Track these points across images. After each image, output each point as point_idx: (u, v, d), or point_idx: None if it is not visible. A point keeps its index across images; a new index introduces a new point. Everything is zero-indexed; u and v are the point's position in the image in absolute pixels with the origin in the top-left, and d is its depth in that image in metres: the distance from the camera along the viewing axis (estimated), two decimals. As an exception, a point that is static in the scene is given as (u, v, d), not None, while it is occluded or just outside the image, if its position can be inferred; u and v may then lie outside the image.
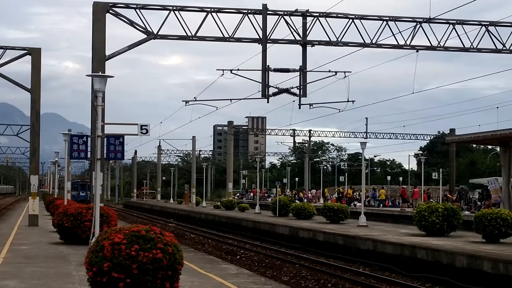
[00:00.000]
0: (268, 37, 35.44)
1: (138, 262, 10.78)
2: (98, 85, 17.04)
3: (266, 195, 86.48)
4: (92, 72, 27.82)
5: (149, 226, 11.62)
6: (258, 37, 35.52)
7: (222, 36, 35.33)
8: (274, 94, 36.85)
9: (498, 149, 50.31)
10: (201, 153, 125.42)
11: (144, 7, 34.19)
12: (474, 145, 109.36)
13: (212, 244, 36.76)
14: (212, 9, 34.95)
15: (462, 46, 37.54)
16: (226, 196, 73.06)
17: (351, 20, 36.14)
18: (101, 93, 17.23)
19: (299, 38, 35.94)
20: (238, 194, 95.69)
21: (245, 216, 48.29)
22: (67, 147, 29.09)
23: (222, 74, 38.02)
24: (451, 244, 23.37)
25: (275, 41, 35.90)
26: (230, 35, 35.26)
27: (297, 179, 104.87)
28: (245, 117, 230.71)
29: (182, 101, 44.02)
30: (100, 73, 18.46)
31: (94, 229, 17.43)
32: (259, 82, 36.21)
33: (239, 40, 36.00)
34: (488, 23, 37.39)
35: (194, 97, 43.15)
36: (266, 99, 36.49)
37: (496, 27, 37.52)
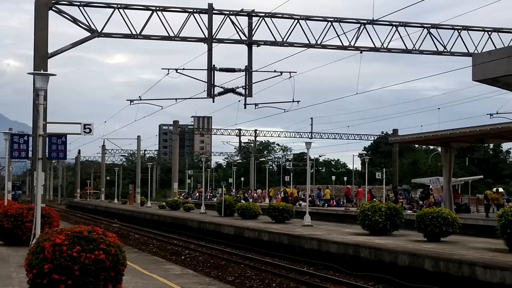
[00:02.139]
0: (213, 37, 35.42)
1: (80, 264, 10.62)
2: (40, 83, 16.73)
3: (211, 195, 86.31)
4: (34, 70, 27.37)
5: (92, 227, 11.46)
6: (203, 36, 35.47)
7: (167, 35, 35.17)
8: (220, 93, 36.85)
9: (439, 149, 51.25)
10: (146, 152, 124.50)
11: (87, 4, 33.79)
12: (417, 145, 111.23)
13: (156, 244, 36.51)
14: (158, 8, 34.75)
15: (405, 48, 38.15)
16: (171, 196, 72.61)
17: (296, 20, 36.38)
18: (43, 92, 16.93)
19: (244, 38, 36.02)
20: (183, 194, 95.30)
21: (190, 216, 48.08)
22: (8, 147, 28.50)
23: (168, 73, 37.88)
24: (394, 243, 23.67)
25: (221, 41, 35.91)
26: (175, 34, 35.12)
27: (242, 179, 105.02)
28: (191, 117, 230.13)
29: (127, 100, 43.74)
30: (42, 71, 18.15)
31: (35, 230, 17.13)
32: (205, 82, 36.18)
33: (184, 39, 35.88)
34: (429, 25, 38.05)
35: (139, 96, 42.91)
36: (212, 99, 36.46)
37: (438, 30, 38.25)
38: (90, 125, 17.38)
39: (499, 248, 21.92)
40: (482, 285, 17.66)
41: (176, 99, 42.02)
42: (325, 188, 68.54)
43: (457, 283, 18.51)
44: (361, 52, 37.41)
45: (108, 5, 34.28)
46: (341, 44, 37.21)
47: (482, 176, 79.37)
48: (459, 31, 38.24)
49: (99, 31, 33.95)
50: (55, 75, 17.71)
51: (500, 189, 55.45)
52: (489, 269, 17.61)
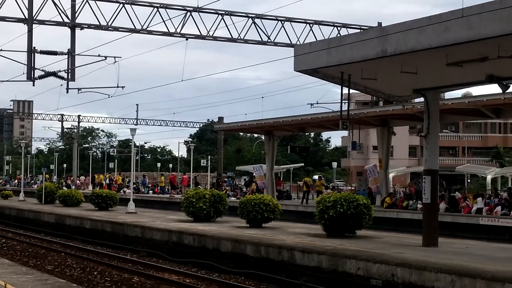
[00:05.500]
0: (34, 18, 34.00)
1: None
2: None
3: (32, 182, 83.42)
4: None
5: None
6: (23, 17, 33.96)
7: (-16, 13, 33.35)
8: (41, 77, 35.51)
9: (263, 137, 52.59)
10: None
11: None
12: (241, 133, 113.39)
13: (-30, 234, 34.70)
14: (-27, -16, 32.85)
15: (230, 37, 38.62)
16: (-12, 183, 69.40)
17: (121, 5, 35.76)
18: None
19: (67, 21, 34.88)
20: (1, 181, 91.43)
21: (8, 203, 46.25)
22: None
23: (-16, 54, 35.94)
24: (217, 230, 23.96)
25: (42, 22, 34.56)
26: (-8, 13, 33.38)
27: (65, 165, 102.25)
28: (10, 100, 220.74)
29: None
30: None
31: None
32: (25, 64, 34.69)
33: (2, 19, 34.25)
34: (254, 15, 38.78)
35: (-48, 78, 40.56)
36: (32, 82, 35.07)
37: (262, 20, 39.05)
38: None
39: (317, 233, 22.81)
40: (300, 269, 18.29)
41: (-7, 81, 40.11)
42: (161, 176, 68.06)
43: (277, 268, 19.04)
44: (186, 39, 37.39)
45: None
46: (167, 31, 37.01)
47: (303, 164, 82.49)
48: (283, 22, 39.24)
49: None
50: None
51: (315, 177, 57.97)
52: (307, 254, 18.25)
